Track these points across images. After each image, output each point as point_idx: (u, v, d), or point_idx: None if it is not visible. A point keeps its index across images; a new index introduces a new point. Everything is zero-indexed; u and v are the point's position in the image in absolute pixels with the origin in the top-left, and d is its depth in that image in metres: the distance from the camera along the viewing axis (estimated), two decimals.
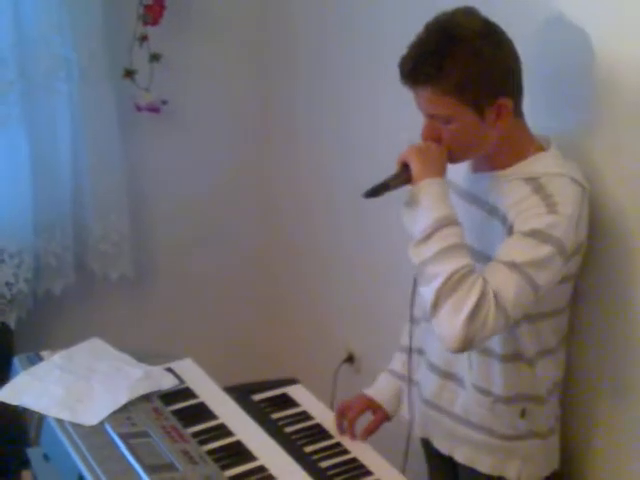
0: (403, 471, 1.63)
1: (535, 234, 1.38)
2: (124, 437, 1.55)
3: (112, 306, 2.60)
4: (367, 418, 1.76)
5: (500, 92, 1.40)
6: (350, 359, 2.47)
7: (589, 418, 1.64)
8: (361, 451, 1.66)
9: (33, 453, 1.74)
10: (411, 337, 1.64)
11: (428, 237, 1.39)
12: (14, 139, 2.27)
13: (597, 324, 1.60)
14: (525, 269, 1.37)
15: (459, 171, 1.58)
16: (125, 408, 1.65)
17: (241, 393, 1.82)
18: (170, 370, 1.85)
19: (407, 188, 1.49)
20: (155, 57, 2.41)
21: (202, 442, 1.61)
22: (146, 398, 1.71)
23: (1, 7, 2.18)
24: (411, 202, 1.44)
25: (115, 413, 1.63)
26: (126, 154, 2.46)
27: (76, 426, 1.60)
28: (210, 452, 1.57)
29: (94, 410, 1.64)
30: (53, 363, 1.81)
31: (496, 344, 1.51)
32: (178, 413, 1.70)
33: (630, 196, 1.50)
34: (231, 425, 1.68)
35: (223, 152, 2.68)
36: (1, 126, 2.25)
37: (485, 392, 1.55)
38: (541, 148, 1.49)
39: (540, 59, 1.62)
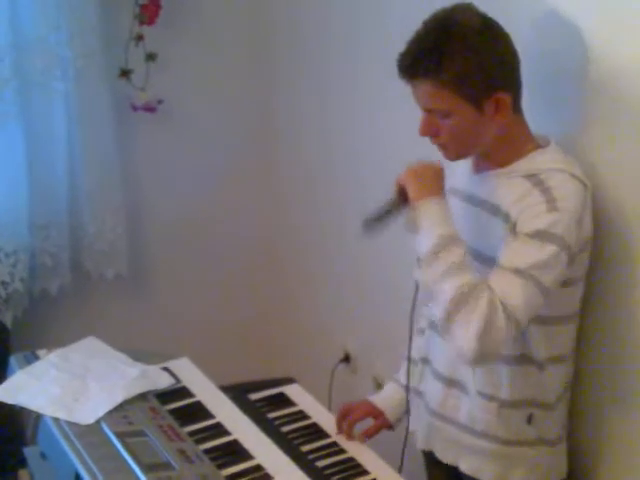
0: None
1: (537, 235, 1.38)
2: (120, 436, 1.55)
3: (108, 305, 2.60)
4: (368, 424, 1.76)
5: (498, 86, 1.41)
6: (347, 359, 2.47)
7: (598, 426, 1.61)
8: (358, 450, 1.66)
9: (30, 452, 1.74)
10: (409, 349, 1.63)
11: (431, 258, 1.41)
12: (10, 138, 2.27)
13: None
14: (530, 273, 1.37)
15: (460, 174, 1.59)
16: (121, 407, 1.65)
17: (238, 392, 1.82)
18: (166, 369, 1.84)
19: None
20: (151, 57, 2.41)
21: (198, 441, 1.60)
22: (142, 397, 1.71)
23: None
24: (411, 224, 1.46)
25: (111, 412, 1.63)
26: (122, 153, 2.46)
27: (72, 425, 1.60)
28: (206, 451, 1.57)
29: (90, 409, 1.64)
30: (49, 362, 1.80)
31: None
32: (174, 412, 1.70)
33: (630, 194, 1.50)
34: (227, 424, 1.68)
35: (219, 151, 2.68)
36: None
37: (490, 397, 1.53)
38: (540, 145, 1.50)
39: (538, 58, 1.62)
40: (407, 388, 1.62)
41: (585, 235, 1.46)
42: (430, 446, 1.66)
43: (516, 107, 1.46)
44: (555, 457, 1.59)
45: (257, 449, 1.60)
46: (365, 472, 1.60)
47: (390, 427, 1.76)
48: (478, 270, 1.47)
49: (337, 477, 1.58)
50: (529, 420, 1.54)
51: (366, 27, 2.21)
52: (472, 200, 1.54)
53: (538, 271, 1.38)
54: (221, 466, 1.53)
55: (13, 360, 1.83)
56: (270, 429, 1.69)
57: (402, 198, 1.48)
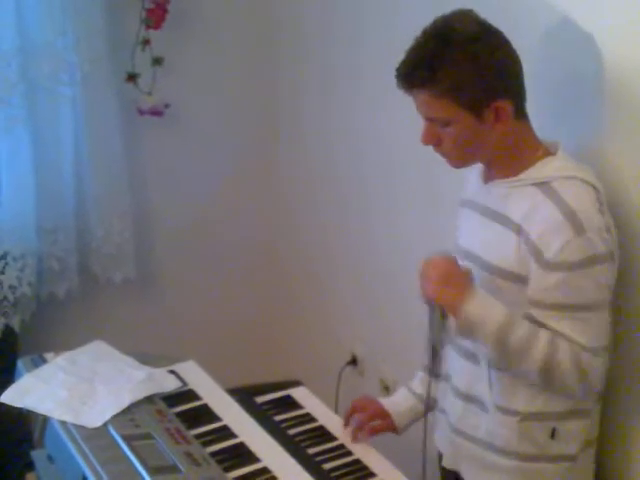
0: None
1: (581, 265, 1.37)
2: (127, 439, 1.55)
3: (115, 309, 2.61)
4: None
5: (498, 94, 1.39)
6: (354, 361, 2.46)
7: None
8: (365, 453, 1.66)
9: (37, 455, 1.75)
10: (435, 368, 1.59)
11: (501, 348, 1.41)
12: (17, 142, 2.28)
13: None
14: (595, 304, 1.40)
15: (472, 184, 1.57)
16: (128, 410, 1.66)
17: (244, 395, 1.82)
18: (173, 372, 1.85)
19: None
20: (157, 61, 2.42)
21: (205, 444, 1.61)
22: (149, 400, 1.71)
23: (5, 11, 2.19)
24: (464, 329, 1.44)
25: (118, 415, 1.63)
26: (129, 157, 2.46)
27: (79, 428, 1.60)
28: (213, 454, 1.57)
29: (97, 412, 1.64)
30: (57, 365, 1.81)
31: None
32: (181, 415, 1.70)
33: None
34: (234, 427, 1.68)
35: (226, 155, 2.68)
36: (5, 129, 2.26)
37: (510, 412, 1.49)
38: (549, 153, 1.47)
39: (549, 63, 1.61)
40: (426, 406, 1.58)
41: (612, 243, 1.43)
42: (455, 466, 1.62)
43: (519, 114, 1.44)
44: (577, 474, 1.54)
45: (264, 452, 1.60)
46: (372, 474, 1.60)
47: (395, 431, 1.74)
48: (486, 280, 1.46)
49: (344, 479, 1.58)
50: (552, 434, 1.49)
51: (370, 28, 2.21)
52: (483, 210, 1.51)
53: (600, 296, 1.40)
54: (228, 469, 1.53)
55: (20, 363, 1.84)
56: (277, 432, 1.69)
57: (441, 312, 1.44)
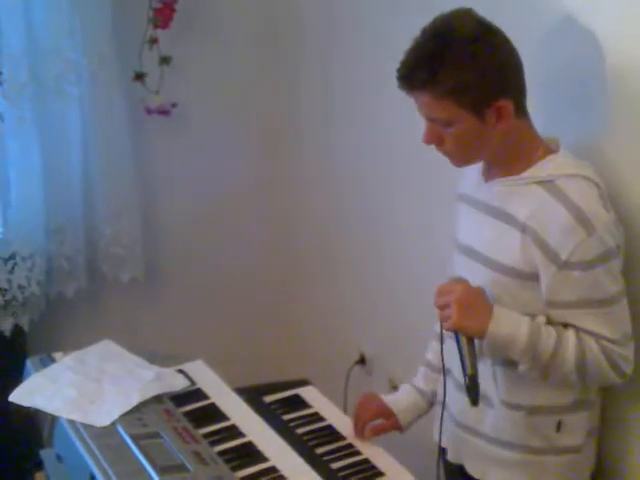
0: None
1: (596, 262, 1.39)
2: (135, 438, 1.55)
3: (123, 308, 2.61)
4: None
5: (499, 94, 1.39)
6: (362, 361, 2.46)
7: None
8: (373, 452, 1.65)
9: (46, 454, 1.75)
10: (444, 373, 1.59)
11: (532, 366, 1.43)
12: (26, 142, 2.28)
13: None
14: (613, 295, 1.41)
15: (470, 180, 1.57)
16: (136, 409, 1.66)
17: (252, 394, 1.82)
18: (181, 371, 1.85)
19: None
20: (165, 60, 2.42)
21: (213, 443, 1.61)
22: (157, 399, 1.71)
23: (13, 12, 2.20)
24: (493, 355, 1.47)
25: (126, 414, 1.64)
26: (136, 157, 2.47)
27: (88, 427, 1.61)
28: (221, 453, 1.57)
29: (106, 411, 1.64)
30: (65, 365, 1.81)
31: None
32: (189, 414, 1.70)
33: None
34: (242, 426, 1.68)
35: (233, 154, 2.68)
36: (14, 130, 2.27)
37: (515, 406, 1.50)
38: (551, 150, 1.47)
39: (550, 61, 1.61)
40: (443, 404, 1.58)
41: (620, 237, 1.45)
42: (460, 459, 1.63)
43: (520, 112, 1.44)
44: (581, 464, 1.56)
45: (272, 451, 1.60)
46: (380, 474, 1.59)
47: (400, 429, 1.74)
48: (489, 277, 1.47)
49: (352, 479, 1.57)
50: (558, 427, 1.50)
51: (376, 31, 2.21)
52: (484, 208, 1.51)
53: (617, 288, 1.42)
54: (236, 468, 1.53)
55: (29, 363, 1.85)
56: (285, 431, 1.69)
57: (468, 340, 1.44)
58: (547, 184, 1.43)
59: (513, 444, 1.52)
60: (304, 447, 1.64)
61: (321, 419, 1.76)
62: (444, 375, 1.57)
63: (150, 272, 2.59)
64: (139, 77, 2.41)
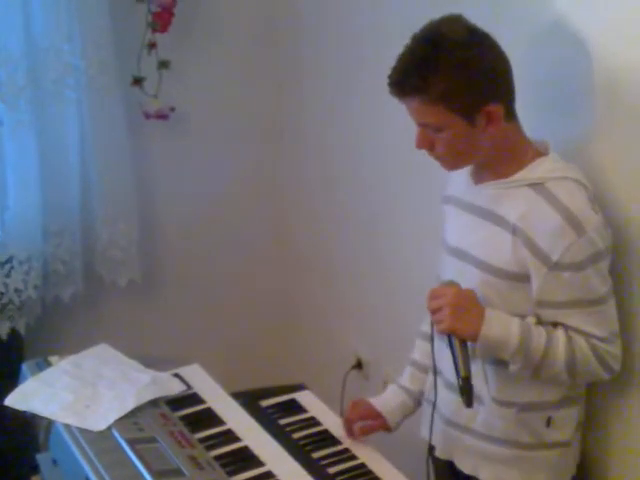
0: None
1: (586, 263, 1.41)
2: (131, 442, 1.55)
3: (120, 312, 2.61)
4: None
5: (489, 99, 1.41)
6: (359, 365, 2.46)
7: (607, 421, 1.62)
8: (369, 457, 1.66)
9: (42, 459, 1.75)
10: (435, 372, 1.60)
11: (523, 366, 1.45)
12: (24, 146, 2.28)
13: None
14: (602, 295, 1.43)
15: (458, 183, 1.59)
16: (132, 414, 1.65)
17: (248, 399, 1.82)
18: (178, 376, 1.85)
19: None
20: (163, 64, 2.42)
21: (209, 448, 1.60)
22: (153, 404, 1.71)
23: (12, 16, 2.20)
24: (485, 356, 1.49)
25: (122, 418, 1.63)
26: (134, 161, 2.47)
27: (84, 431, 1.60)
28: (217, 458, 1.57)
29: (102, 415, 1.64)
30: (61, 369, 1.81)
31: None
32: (185, 419, 1.70)
33: (636, 199, 1.49)
34: (238, 431, 1.68)
35: (231, 158, 2.68)
36: (12, 133, 2.26)
37: (506, 403, 1.53)
38: (540, 153, 1.49)
39: (536, 64, 1.62)
40: (434, 404, 1.59)
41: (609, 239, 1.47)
42: (449, 456, 1.65)
43: (510, 116, 1.46)
44: (569, 457, 1.59)
45: (268, 456, 1.60)
46: (377, 479, 1.59)
47: (388, 429, 1.75)
48: (478, 278, 1.48)
49: None
50: (548, 423, 1.53)
51: (375, 33, 2.21)
52: (473, 210, 1.53)
53: (606, 288, 1.45)
54: (232, 473, 1.53)
55: (25, 367, 1.84)
56: (281, 436, 1.69)
57: (461, 342, 1.45)
58: (537, 186, 1.45)
59: (504, 440, 1.55)
60: (300, 452, 1.64)
61: (317, 424, 1.76)
62: (435, 375, 1.58)
63: (147, 276, 2.58)
64: (137, 81, 2.41)
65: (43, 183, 2.33)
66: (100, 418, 1.63)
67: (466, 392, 1.43)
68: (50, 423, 1.67)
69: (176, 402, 1.75)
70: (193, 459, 1.52)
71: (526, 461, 1.55)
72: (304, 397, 1.86)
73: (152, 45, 2.39)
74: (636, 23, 1.45)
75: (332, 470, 1.61)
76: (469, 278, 1.50)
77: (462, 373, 1.43)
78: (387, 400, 1.76)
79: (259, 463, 1.57)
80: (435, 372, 1.58)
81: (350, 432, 1.72)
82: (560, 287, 1.43)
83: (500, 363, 1.50)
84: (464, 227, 1.55)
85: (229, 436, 1.66)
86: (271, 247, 2.77)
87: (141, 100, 2.43)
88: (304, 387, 1.90)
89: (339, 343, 2.55)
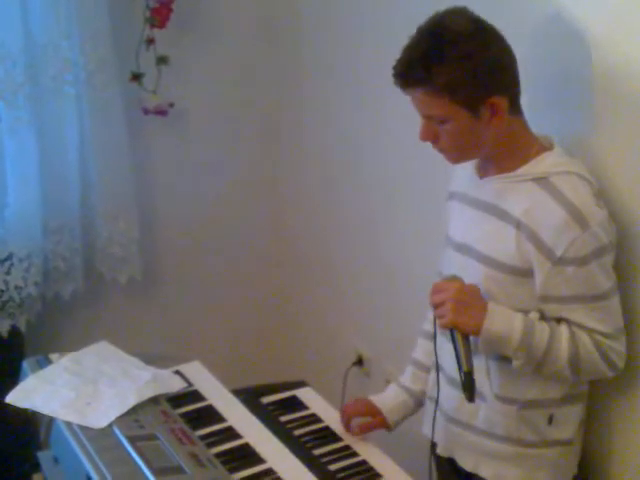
0: None
1: (590, 258, 1.41)
2: (132, 440, 1.55)
3: (121, 309, 2.61)
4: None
5: (493, 91, 1.41)
6: (359, 362, 2.46)
7: (609, 419, 1.61)
8: (370, 454, 1.66)
9: (43, 456, 1.75)
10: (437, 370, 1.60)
11: (526, 362, 1.45)
12: (23, 142, 2.27)
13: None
14: (606, 291, 1.43)
15: (462, 177, 1.59)
16: (133, 411, 1.65)
17: (249, 396, 1.82)
18: (178, 373, 1.85)
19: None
20: (162, 60, 2.41)
21: (210, 445, 1.60)
22: (154, 401, 1.70)
23: (10, 12, 2.19)
24: (488, 351, 1.49)
25: (123, 416, 1.63)
26: (134, 157, 2.46)
27: (84, 429, 1.60)
28: (218, 455, 1.57)
29: (102, 413, 1.64)
30: (62, 366, 1.81)
31: None
32: (186, 416, 1.70)
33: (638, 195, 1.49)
34: (239, 428, 1.67)
35: (231, 154, 2.68)
36: (10, 130, 2.26)
37: (508, 400, 1.52)
38: (544, 147, 1.49)
39: (542, 59, 1.62)
40: (437, 401, 1.60)
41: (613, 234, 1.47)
42: (450, 453, 1.64)
43: (514, 109, 1.46)
44: (571, 455, 1.59)
45: (268, 453, 1.60)
46: (377, 475, 1.60)
47: (387, 428, 1.75)
48: (482, 272, 1.48)
49: None
50: (550, 420, 1.53)
51: (370, 27, 2.21)
52: (478, 204, 1.53)
53: (610, 283, 1.44)
54: (233, 470, 1.53)
55: (26, 364, 1.84)
56: (282, 433, 1.68)
57: (464, 337, 1.45)
58: (541, 181, 1.44)
59: (506, 437, 1.54)
60: (301, 449, 1.64)
61: (318, 420, 1.76)
62: (437, 371, 1.58)
63: (148, 273, 2.58)
64: (136, 77, 2.40)
65: (43, 180, 2.32)
66: (101, 415, 1.63)
67: (468, 387, 1.43)
68: (51, 420, 1.67)
69: (177, 399, 1.75)
70: (194, 456, 1.52)
71: (527, 459, 1.55)
72: (305, 394, 1.86)
73: (151, 41, 2.38)
74: (639, 16, 1.44)
75: (333, 467, 1.61)
76: (473, 273, 1.49)
77: (464, 368, 1.43)
78: (387, 399, 1.76)
79: (260, 460, 1.57)
80: (437, 368, 1.57)
81: (346, 427, 1.71)
82: (564, 282, 1.42)
83: (503, 359, 1.49)
84: (468, 222, 1.55)
85: (230, 433, 1.66)
86: (272, 243, 2.77)
87: (140, 96, 2.42)
88: (305, 384, 1.90)
89: (340, 340, 2.55)
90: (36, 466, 1.82)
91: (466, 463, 1.61)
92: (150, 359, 1.86)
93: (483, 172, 1.54)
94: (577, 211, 1.40)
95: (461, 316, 1.43)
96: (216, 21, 2.54)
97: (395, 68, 1.43)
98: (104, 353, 1.88)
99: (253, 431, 1.67)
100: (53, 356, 1.86)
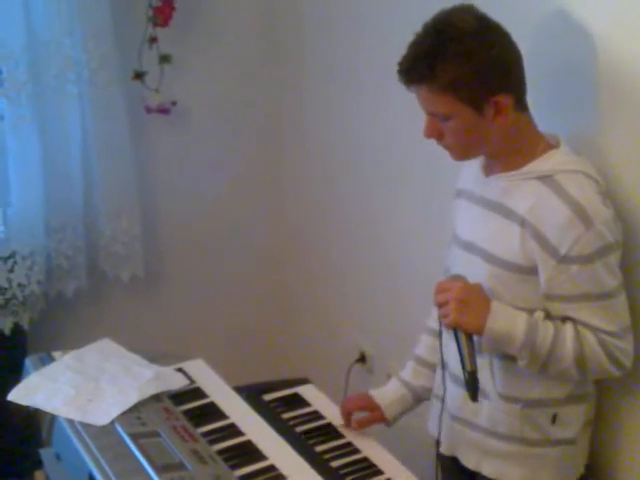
0: None
1: (595, 256, 1.40)
2: (134, 437, 1.55)
3: (123, 307, 2.61)
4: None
5: (497, 89, 1.40)
6: (362, 359, 2.46)
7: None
8: (372, 450, 1.66)
9: (45, 454, 1.75)
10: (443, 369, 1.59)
11: (530, 361, 1.44)
12: (26, 141, 2.28)
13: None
14: (611, 289, 1.42)
15: (469, 175, 1.59)
16: (135, 408, 1.65)
17: (252, 393, 1.82)
18: (181, 370, 1.85)
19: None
20: (165, 58, 2.41)
21: (212, 442, 1.60)
22: (156, 398, 1.71)
23: (13, 10, 2.19)
24: (492, 350, 1.48)
25: (125, 413, 1.63)
26: (136, 155, 2.46)
27: (86, 426, 1.60)
28: (220, 452, 1.57)
29: (104, 410, 1.64)
30: (64, 364, 1.81)
31: None
32: (188, 413, 1.70)
33: None
34: (241, 425, 1.68)
35: (232, 153, 2.68)
36: (13, 128, 2.26)
37: (512, 399, 1.52)
38: (551, 145, 1.48)
39: (544, 55, 1.61)
40: (443, 399, 1.59)
41: (619, 233, 1.46)
42: (453, 451, 1.64)
43: (520, 106, 1.45)
44: (575, 455, 1.58)
45: (271, 450, 1.60)
46: (379, 472, 1.60)
47: (386, 422, 1.75)
48: (489, 272, 1.48)
49: (351, 477, 1.58)
50: (553, 420, 1.52)
51: (371, 24, 2.20)
52: (484, 202, 1.52)
53: (616, 282, 1.43)
54: (235, 467, 1.53)
55: (28, 362, 1.84)
56: (284, 429, 1.69)
57: (467, 336, 1.45)
58: (547, 179, 1.44)
59: (509, 436, 1.54)
60: (303, 445, 1.64)
61: (321, 417, 1.76)
62: (443, 369, 1.58)
63: (150, 270, 2.58)
64: (139, 76, 2.40)
65: (45, 178, 2.33)
66: (103, 413, 1.64)
67: (472, 386, 1.43)
68: (53, 418, 1.68)
69: (179, 396, 1.75)
70: (196, 453, 1.52)
71: (530, 458, 1.54)
72: (307, 391, 1.86)
73: (153, 39, 2.38)
74: None
75: (335, 464, 1.61)
76: (478, 271, 1.49)
77: (468, 367, 1.43)
78: (386, 393, 1.76)
79: (262, 457, 1.57)
80: (443, 366, 1.57)
81: (346, 422, 1.72)
82: (568, 280, 1.42)
83: (508, 357, 1.49)
84: (474, 220, 1.54)
85: (232, 430, 1.66)
86: (273, 241, 2.77)
87: (142, 94, 2.43)
88: (307, 381, 1.90)
89: (342, 337, 2.55)
90: (38, 463, 1.82)
91: (469, 461, 1.61)
92: (152, 356, 1.86)
93: (488, 170, 1.53)
94: (582, 209, 1.40)
95: (464, 316, 1.43)
96: (218, 20, 2.55)
97: (400, 64, 1.43)
98: (106, 351, 1.88)
99: (255, 428, 1.67)
100: (56, 354, 1.86)
